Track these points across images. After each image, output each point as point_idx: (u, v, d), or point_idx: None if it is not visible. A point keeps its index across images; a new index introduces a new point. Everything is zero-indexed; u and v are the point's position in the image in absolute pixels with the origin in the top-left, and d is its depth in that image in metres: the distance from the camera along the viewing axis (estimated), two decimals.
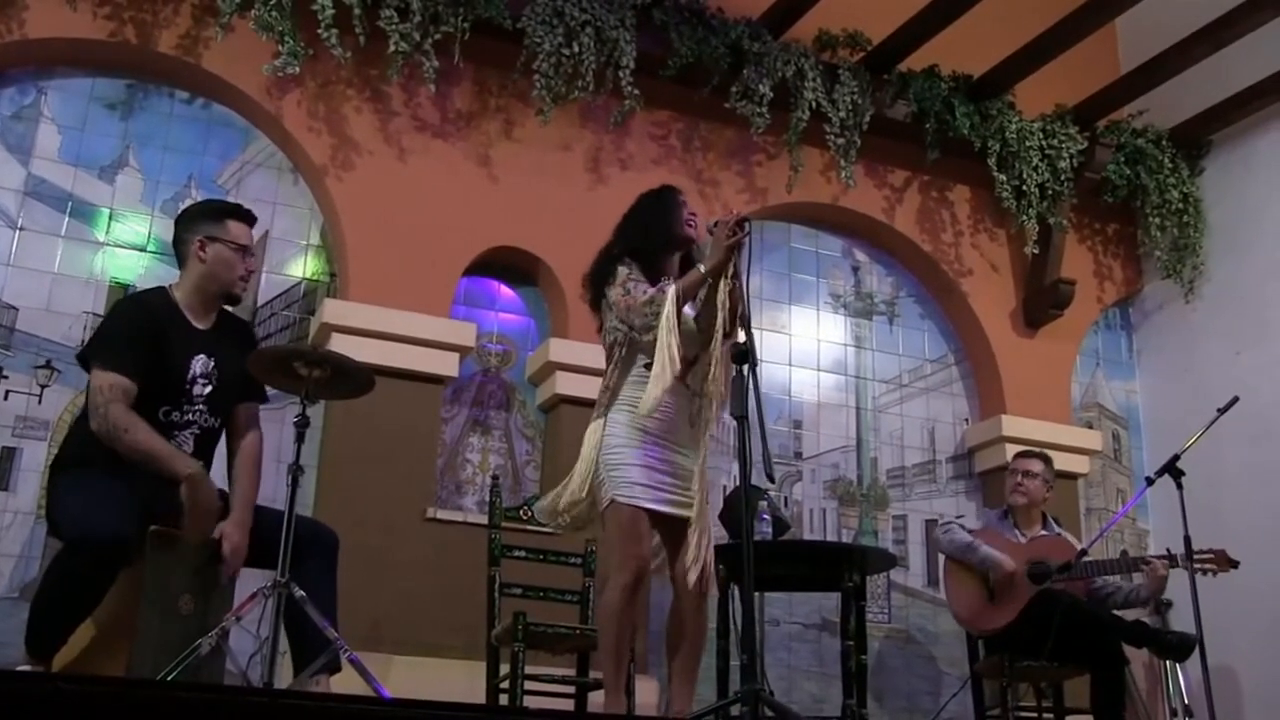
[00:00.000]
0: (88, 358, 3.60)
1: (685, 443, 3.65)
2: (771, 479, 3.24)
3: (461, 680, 4.56)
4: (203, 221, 3.76)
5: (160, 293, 3.77)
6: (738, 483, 4.76)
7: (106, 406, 3.44)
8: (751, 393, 3.23)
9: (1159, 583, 5.04)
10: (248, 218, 3.84)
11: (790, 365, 6.39)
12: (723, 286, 3.57)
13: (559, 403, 5.61)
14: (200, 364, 3.63)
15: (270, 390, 3.91)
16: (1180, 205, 6.69)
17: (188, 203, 5.27)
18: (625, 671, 3.59)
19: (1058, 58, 6.25)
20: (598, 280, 3.76)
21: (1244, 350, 6.46)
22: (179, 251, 3.79)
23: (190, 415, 3.61)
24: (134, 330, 3.57)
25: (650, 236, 3.79)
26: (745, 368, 3.26)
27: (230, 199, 5.22)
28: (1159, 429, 6.91)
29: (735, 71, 5.95)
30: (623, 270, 3.69)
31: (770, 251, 6.49)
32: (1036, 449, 5.54)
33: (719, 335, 3.58)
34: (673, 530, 3.63)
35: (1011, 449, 5.94)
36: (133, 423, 3.44)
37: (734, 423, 3.30)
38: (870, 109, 6.20)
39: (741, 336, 3.34)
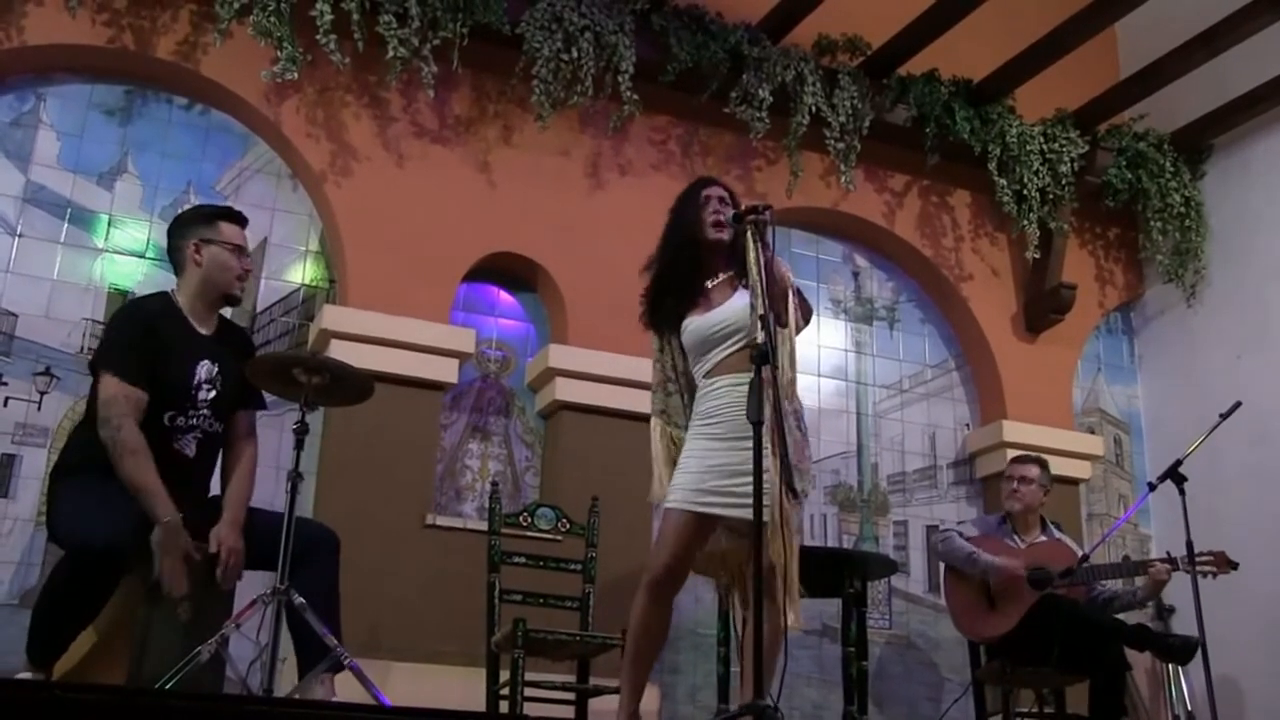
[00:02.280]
0: (96, 365, 3.59)
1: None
2: (795, 493, 3.15)
3: (461, 687, 4.56)
4: (195, 226, 3.78)
5: (163, 297, 3.78)
6: None
7: (121, 420, 3.43)
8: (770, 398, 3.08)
9: (1159, 585, 5.02)
10: (239, 219, 3.86)
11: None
12: (752, 273, 3.34)
13: (559, 409, 5.60)
14: (205, 369, 3.64)
15: (269, 397, 3.91)
16: (1182, 209, 6.67)
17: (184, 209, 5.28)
18: (636, 675, 3.51)
19: (1058, 62, 6.24)
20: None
21: (1245, 354, 6.45)
22: (174, 259, 3.81)
23: (194, 420, 3.62)
24: (139, 336, 3.57)
25: (669, 256, 3.72)
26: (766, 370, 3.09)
27: (229, 205, 5.24)
28: (1160, 434, 6.89)
29: (734, 76, 5.94)
30: (654, 344, 3.72)
31: None
32: (1032, 453, 5.53)
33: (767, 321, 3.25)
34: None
35: (1013, 454, 5.91)
36: (139, 449, 3.42)
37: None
38: (870, 113, 6.19)
39: (760, 336, 3.14)
